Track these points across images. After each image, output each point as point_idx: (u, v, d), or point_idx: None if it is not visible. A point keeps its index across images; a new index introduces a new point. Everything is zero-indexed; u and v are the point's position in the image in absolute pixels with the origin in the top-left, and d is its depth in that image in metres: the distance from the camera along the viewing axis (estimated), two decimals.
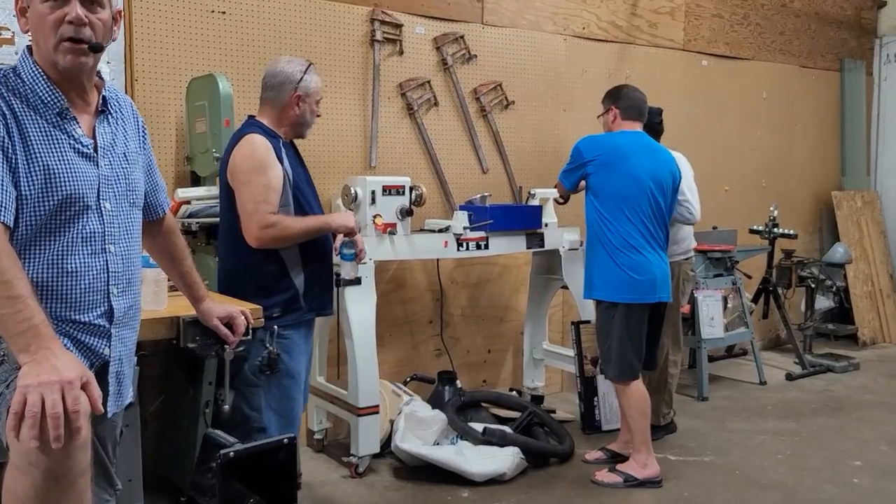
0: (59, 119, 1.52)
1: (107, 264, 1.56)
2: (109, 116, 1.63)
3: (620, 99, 3.30)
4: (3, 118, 1.44)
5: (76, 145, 1.53)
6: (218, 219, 2.89)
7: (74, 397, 1.32)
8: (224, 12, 3.31)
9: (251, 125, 2.51)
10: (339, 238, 2.61)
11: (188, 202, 2.94)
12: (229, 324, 1.94)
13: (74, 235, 1.52)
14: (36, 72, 1.51)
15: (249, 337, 2.00)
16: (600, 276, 3.19)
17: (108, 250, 1.57)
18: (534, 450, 3.36)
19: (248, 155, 2.39)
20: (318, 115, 2.64)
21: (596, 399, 3.83)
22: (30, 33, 1.52)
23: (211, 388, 2.69)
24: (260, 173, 2.37)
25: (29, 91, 1.50)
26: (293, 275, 2.48)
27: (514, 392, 4.14)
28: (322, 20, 3.59)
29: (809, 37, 5.91)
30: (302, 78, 2.50)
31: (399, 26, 3.82)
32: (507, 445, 3.27)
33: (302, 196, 2.50)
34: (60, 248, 1.50)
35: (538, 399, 4.06)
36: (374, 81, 3.74)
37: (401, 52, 3.85)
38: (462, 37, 4.04)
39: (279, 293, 2.45)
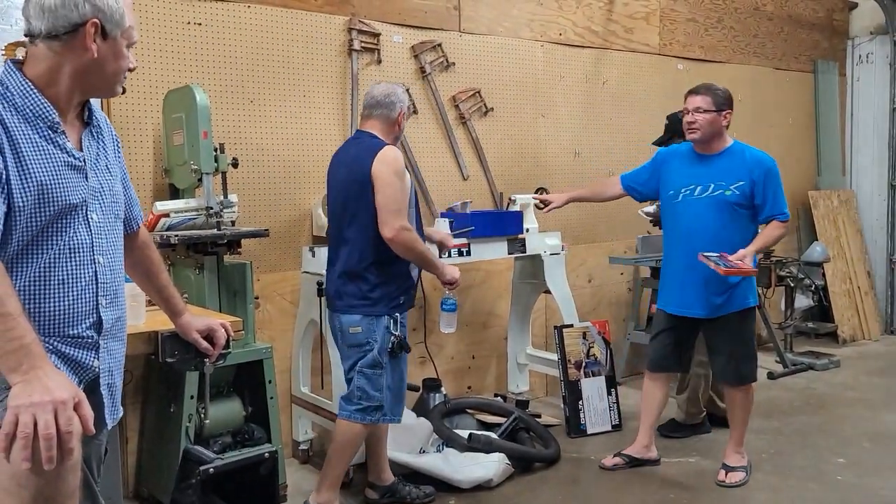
0: (50, 132, 1.51)
1: (96, 275, 1.56)
2: (93, 129, 1.64)
3: (732, 103, 3.18)
4: None
5: (68, 159, 1.53)
6: (197, 231, 2.89)
7: (68, 418, 1.30)
8: (200, 24, 3.29)
9: (375, 138, 2.86)
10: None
11: (167, 215, 2.92)
12: (209, 337, 1.92)
13: (62, 247, 1.51)
14: (26, 85, 1.50)
15: (230, 350, 1.99)
16: (749, 281, 3.17)
17: (97, 261, 1.56)
18: (520, 455, 3.36)
19: (392, 161, 2.76)
20: None
21: (581, 403, 3.84)
22: (93, 55, 1.51)
23: (193, 401, 2.68)
24: (401, 179, 2.77)
25: (19, 103, 1.49)
26: (411, 268, 2.89)
27: (499, 398, 4.14)
28: (299, 30, 3.59)
29: (783, 39, 6.00)
30: (404, 98, 2.93)
31: (377, 35, 3.83)
32: (493, 451, 3.27)
33: (415, 204, 2.94)
34: (48, 260, 1.49)
35: (523, 404, 4.07)
36: (353, 90, 3.74)
37: (379, 61, 3.85)
38: (440, 45, 4.06)
39: (405, 282, 2.87)
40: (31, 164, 1.46)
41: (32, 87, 1.51)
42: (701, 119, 3.11)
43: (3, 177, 1.42)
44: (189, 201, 2.98)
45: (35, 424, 1.27)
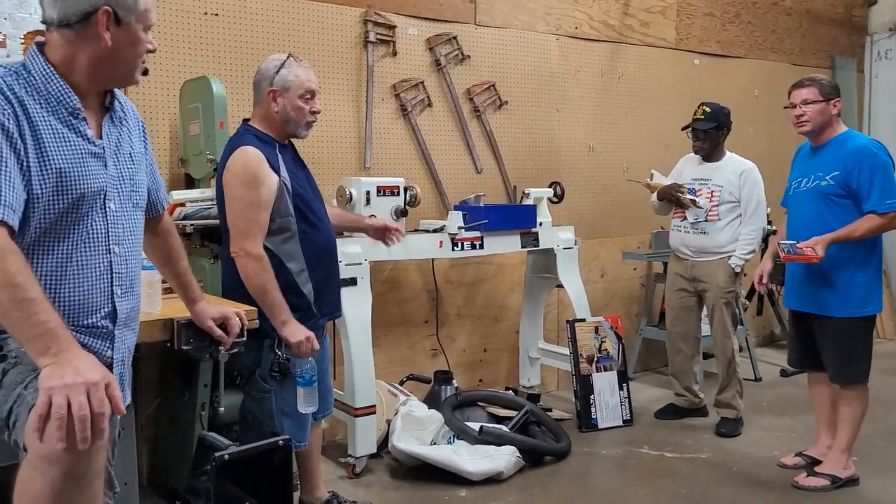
0: (71, 118, 1.50)
1: (111, 265, 1.56)
2: (114, 116, 1.62)
3: (839, 91, 3.11)
4: (16, 118, 1.42)
5: (87, 146, 1.52)
6: (213, 221, 2.90)
7: (100, 399, 1.31)
8: (217, 14, 3.30)
9: (246, 132, 2.44)
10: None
11: (183, 204, 2.93)
12: (224, 325, 1.94)
13: (79, 236, 1.51)
14: (48, 70, 1.49)
15: (245, 338, 2.00)
16: (870, 285, 3.02)
17: (112, 251, 1.56)
18: (530, 448, 3.36)
19: (240, 170, 2.31)
20: (316, 112, 2.48)
21: (592, 397, 3.84)
22: (107, 44, 1.49)
23: (207, 390, 2.70)
24: (251, 189, 2.30)
25: (41, 88, 1.48)
26: (301, 283, 2.44)
27: (511, 391, 4.15)
28: (315, 22, 3.59)
29: (801, 35, 5.94)
30: (277, 72, 2.38)
31: (392, 27, 3.83)
32: (504, 444, 3.28)
33: (303, 203, 2.44)
34: (66, 250, 1.50)
35: (534, 398, 4.07)
36: (368, 82, 3.74)
37: (394, 53, 3.85)
38: (455, 37, 4.05)
39: (295, 298, 2.41)
40: (50, 150, 1.45)
41: (54, 72, 1.49)
42: (810, 111, 3.06)
43: (25, 163, 1.42)
44: (205, 191, 2.99)
45: (69, 405, 1.29)
